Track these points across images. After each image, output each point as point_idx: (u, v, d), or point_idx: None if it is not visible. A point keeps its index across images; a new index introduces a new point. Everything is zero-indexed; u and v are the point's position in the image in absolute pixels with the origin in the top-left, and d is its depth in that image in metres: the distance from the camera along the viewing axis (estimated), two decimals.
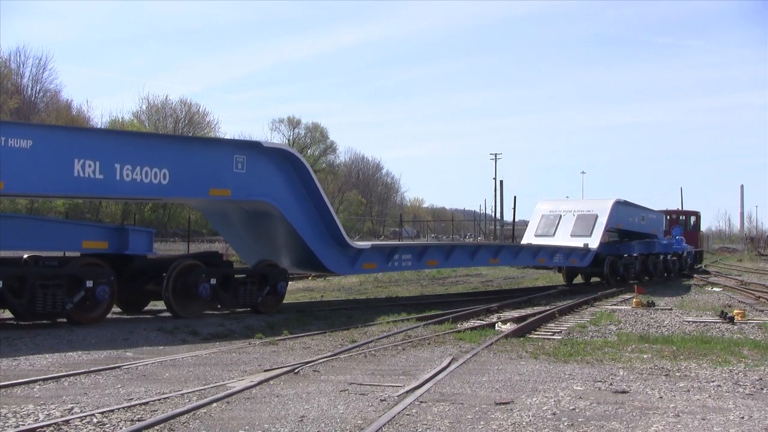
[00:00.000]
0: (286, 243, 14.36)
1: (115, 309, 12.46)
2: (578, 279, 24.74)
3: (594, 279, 24.36)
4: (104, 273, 11.00)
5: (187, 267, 12.15)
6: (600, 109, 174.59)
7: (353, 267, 15.04)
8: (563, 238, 22.38)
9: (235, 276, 12.86)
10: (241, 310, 13.16)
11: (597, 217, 22.58)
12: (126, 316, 12.38)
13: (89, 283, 10.71)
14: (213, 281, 12.22)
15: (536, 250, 20.48)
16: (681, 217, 37.85)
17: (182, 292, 11.99)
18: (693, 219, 38.73)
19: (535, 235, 23.11)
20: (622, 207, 23.82)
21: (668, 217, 36.80)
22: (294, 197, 13.51)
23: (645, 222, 26.05)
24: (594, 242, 21.91)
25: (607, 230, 23.35)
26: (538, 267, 24.77)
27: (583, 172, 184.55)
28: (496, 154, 75.88)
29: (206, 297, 12.10)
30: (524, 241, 23.05)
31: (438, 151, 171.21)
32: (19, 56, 52.66)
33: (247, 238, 15.37)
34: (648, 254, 25.92)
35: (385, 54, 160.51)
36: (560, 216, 23.30)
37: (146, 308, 13.18)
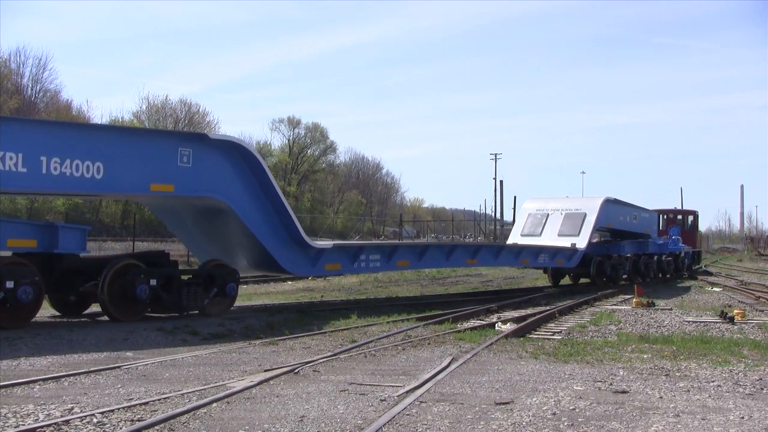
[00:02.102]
0: (242, 242, 13.55)
1: (54, 312, 12.05)
2: (567, 280, 24.15)
3: (583, 280, 23.66)
4: (28, 273, 10.19)
5: (125, 267, 11.33)
6: (600, 109, 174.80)
7: (314, 268, 14.25)
8: (550, 237, 21.61)
9: (181, 277, 12.15)
10: (191, 313, 12.32)
11: (585, 215, 21.76)
12: (66, 320, 11.71)
13: (10, 284, 9.89)
14: (153, 282, 11.45)
15: (518, 251, 19.64)
16: (678, 217, 37.12)
17: (119, 294, 11.20)
18: (690, 218, 37.97)
19: (521, 235, 22.30)
20: (612, 205, 23.07)
21: (665, 217, 36.08)
22: (247, 193, 12.70)
23: (637, 221, 25.28)
24: (582, 242, 21.13)
25: (597, 230, 22.66)
26: (523, 268, 24.05)
27: (583, 172, 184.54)
28: (496, 154, 75.97)
29: (145, 299, 11.35)
30: (510, 241, 22.19)
31: (438, 151, 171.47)
32: (19, 56, 52.65)
33: (201, 238, 14.50)
34: (640, 254, 25.25)
35: (385, 54, 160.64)
36: (547, 215, 22.50)
37: (87, 311, 12.30)
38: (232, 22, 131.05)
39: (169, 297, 11.79)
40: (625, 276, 23.80)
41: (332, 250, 14.42)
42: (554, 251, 20.40)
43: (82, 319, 11.75)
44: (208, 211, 13.30)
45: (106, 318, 11.51)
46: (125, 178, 11.10)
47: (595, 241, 23.71)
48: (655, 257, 26.73)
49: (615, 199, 23.47)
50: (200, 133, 13.48)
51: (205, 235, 14.29)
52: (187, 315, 12.10)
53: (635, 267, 24.72)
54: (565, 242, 21.03)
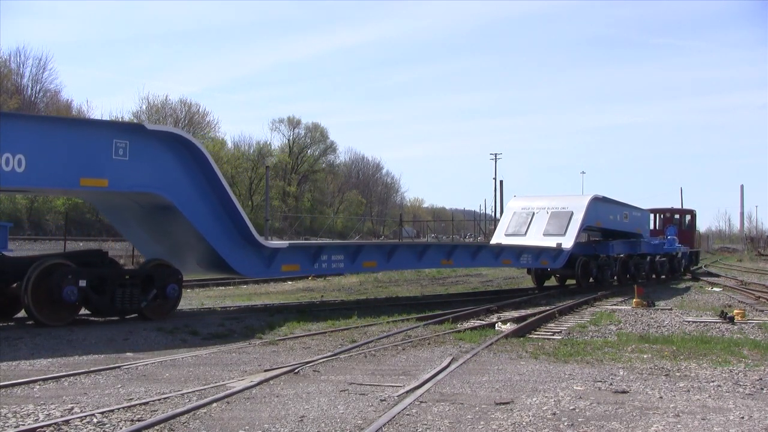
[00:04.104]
0: (189, 242, 12.65)
1: None
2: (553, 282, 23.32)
3: (570, 282, 22.72)
4: None
5: (51, 267, 10.51)
6: (600, 109, 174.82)
7: (268, 269, 13.43)
8: (535, 237, 20.70)
9: (116, 278, 11.27)
10: (130, 316, 11.68)
11: (572, 214, 20.75)
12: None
13: None
14: (82, 283, 10.60)
15: (498, 251, 18.64)
16: (675, 216, 36.35)
17: (45, 296, 10.38)
18: (688, 218, 37.26)
19: (506, 234, 21.35)
20: (600, 204, 22.17)
21: (662, 216, 35.55)
22: (193, 189, 11.85)
23: (628, 220, 24.38)
24: (568, 242, 20.11)
25: (585, 229, 21.76)
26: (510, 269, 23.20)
27: (583, 172, 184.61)
28: (496, 154, 76.13)
29: (73, 302, 10.53)
30: (494, 241, 21.22)
31: (438, 151, 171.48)
32: (19, 56, 52.69)
33: (146, 237, 13.54)
34: (631, 255, 24.44)
35: (385, 54, 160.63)
36: (533, 213, 21.49)
37: (17, 315, 11.48)
38: (232, 22, 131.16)
39: (100, 299, 10.99)
40: (614, 277, 23.00)
41: (288, 250, 13.62)
42: (538, 251, 19.53)
43: (82, 319, 11.70)
44: (154, 209, 12.40)
45: (107, 318, 11.40)
46: (51, 171, 10.17)
47: (583, 241, 22.99)
48: (648, 258, 25.95)
49: (604, 197, 22.69)
50: (137, 123, 12.52)
51: (152, 234, 13.37)
52: (146, 318, 11.50)
53: (625, 268, 23.89)
54: (551, 242, 20.18)
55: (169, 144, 11.54)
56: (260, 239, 12.92)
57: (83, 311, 11.41)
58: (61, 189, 11.59)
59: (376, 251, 15.59)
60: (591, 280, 21.71)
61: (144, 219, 12.95)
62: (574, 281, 22.18)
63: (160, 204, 11.87)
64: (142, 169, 11.10)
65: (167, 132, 11.78)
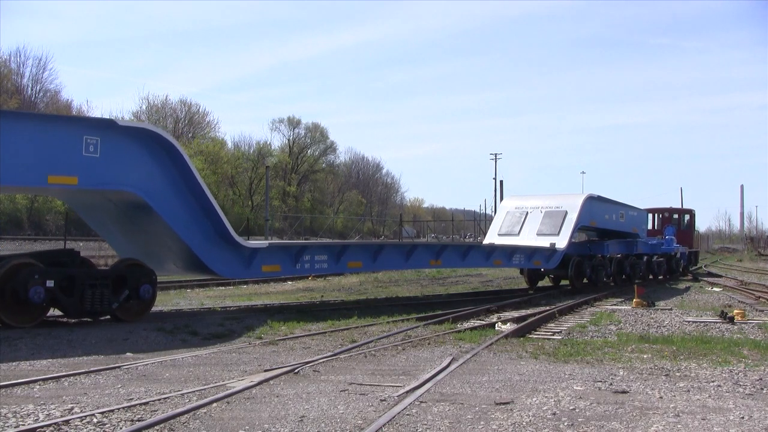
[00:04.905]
0: (166, 242, 12.31)
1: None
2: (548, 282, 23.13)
3: (565, 282, 22.32)
4: None
5: (17, 267, 10.20)
6: (600, 109, 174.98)
7: (248, 269, 13.04)
8: (529, 237, 20.31)
9: (86, 278, 10.82)
10: (104, 318, 11.34)
11: (566, 213, 20.38)
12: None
13: None
14: (50, 284, 10.26)
15: (490, 251, 18.25)
16: (674, 216, 36.10)
17: (11, 296, 10.11)
18: (687, 217, 37.00)
19: (498, 234, 20.97)
20: (595, 203, 21.81)
21: (660, 216, 35.39)
22: (168, 186, 11.53)
23: (624, 220, 24.00)
24: (562, 241, 19.75)
25: (579, 229, 21.47)
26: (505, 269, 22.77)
27: (583, 172, 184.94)
28: (496, 154, 76.20)
29: (40, 302, 10.20)
30: (486, 241, 20.81)
31: (438, 151, 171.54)
32: (19, 56, 52.76)
33: (122, 236, 13.18)
34: (627, 255, 24.04)
35: (385, 54, 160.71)
36: (527, 213, 21.12)
37: None
38: (232, 22, 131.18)
39: (69, 300, 10.65)
40: (610, 278, 22.72)
41: (268, 249, 13.22)
42: (531, 251, 19.15)
43: (82, 319, 11.69)
44: (129, 208, 12.05)
45: (107, 318, 11.37)
46: (16, 168, 9.83)
47: (580, 240, 22.69)
48: (645, 258, 25.58)
49: (599, 196, 22.39)
50: (109, 119, 11.85)
51: (128, 233, 13.01)
52: (119, 320, 11.21)
53: (620, 268, 23.50)
54: (544, 242, 19.84)
55: (143, 141, 11.24)
56: (238, 239, 12.63)
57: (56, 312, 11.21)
58: (28, 187, 11.13)
59: (361, 251, 15.23)
60: (585, 280, 21.38)
61: (119, 218, 12.64)
62: (568, 282, 21.89)
63: (134, 202, 11.56)
64: (114, 166, 10.79)
65: (140, 128, 11.48)
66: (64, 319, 11.32)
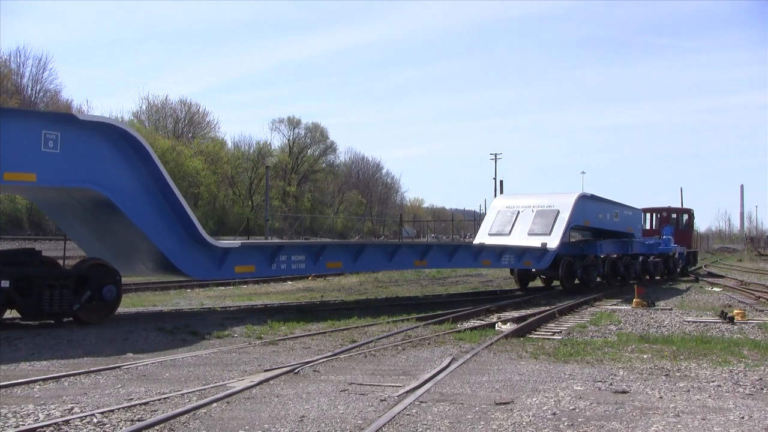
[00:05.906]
0: (134, 241, 11.85)
1: None
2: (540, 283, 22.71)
3: (556, 283, 21.71)
4: None
5: None
6: (599, 109, 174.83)
7: (219, 270, 12.60)
8: (520, 236, 19.85)
9: (45, 278, 10.36)
10: (66, 320, 10.86)
11: (558, 213, 19.92)
12: (66, 320, 10.88)
13: None
14: (5, 284, 9.86)
15: (478, 251, 17.82)
16: (672, 216, 35.75)
17: None
18: (685, 217, 36.76)
19: (489, 234, 20.48)
20: (588, 202, 21.32)
21: (658, 216, 35.17)
22: (134, 184, 11.11)
23: (618, 219, 23.56)
24: (554, 241, 19.29)
25: (572, 228, 21.01)
26: (496, 269, 22.30)
27: (583, 172, 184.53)
28: (496, 154, 76.07)
29: None
30: (476, 241, 20.36)
31: (438, 151, 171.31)
32: (19, 56, 52.69)
33: (89, 236, 12.70)
34: (622, 255, 23.58)
35: (385, 54, 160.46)
36: (518, 212, 20.64)
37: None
38: (231, 22, 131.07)
39: (26, 301, 10.21)
40: (604, 279, 22.33)
41: (241, 249, 12.82)
42: (521, 251, 18.67)
43: (44, 321, 11.12)
44: (94, 206, 11.56)
45: (41, 321, 10.78)
46: None
47: (571, 240, 22.35)
48: (640, 258, 25.02)
49: (592, 195, 21.98)
50: (69, 113, 11.59)
51: (94, 233, 12.54)
52: (82, 322, 10.76)
53: (614, 269, 22.90)
54: (536, 242, 19.32)
55: (107, 136, 10.79)
56: (209, 238, 12.24)
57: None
58: None
59: (341, 251, 14.90)
60: (576, 281, 20.84)
61: (85, 217, 12.18)
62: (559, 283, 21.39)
63: (100, 201, 11.11)
64: (76, 162, 10.31)
65: (103, 123, 10.93)
66: (64, 319, 11.27)
